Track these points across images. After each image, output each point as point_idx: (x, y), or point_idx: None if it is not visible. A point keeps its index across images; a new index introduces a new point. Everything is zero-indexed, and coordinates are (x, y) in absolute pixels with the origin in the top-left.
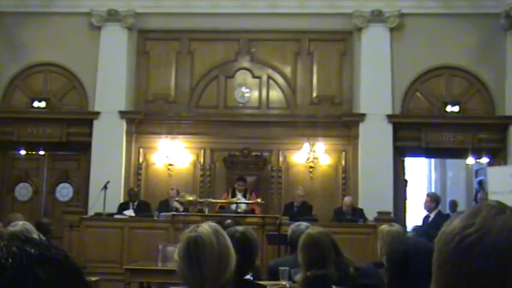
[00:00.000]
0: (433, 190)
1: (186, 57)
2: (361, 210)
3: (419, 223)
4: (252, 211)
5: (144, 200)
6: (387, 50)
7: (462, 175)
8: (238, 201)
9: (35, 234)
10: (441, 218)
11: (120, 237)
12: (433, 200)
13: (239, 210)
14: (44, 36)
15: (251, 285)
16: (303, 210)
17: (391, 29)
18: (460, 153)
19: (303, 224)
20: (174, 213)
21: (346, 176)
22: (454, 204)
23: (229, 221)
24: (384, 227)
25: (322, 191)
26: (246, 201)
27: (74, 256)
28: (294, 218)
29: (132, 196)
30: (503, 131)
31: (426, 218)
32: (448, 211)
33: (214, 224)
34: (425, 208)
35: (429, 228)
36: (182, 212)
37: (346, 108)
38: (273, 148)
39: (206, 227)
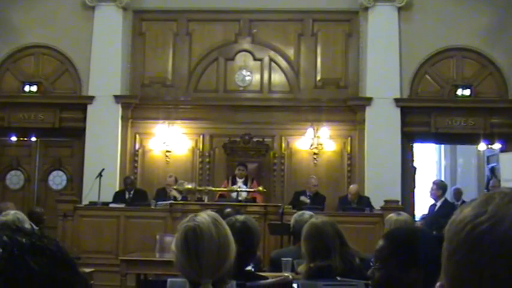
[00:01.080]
0: (442, 177)
1: (183, 39)
2: (368, 198)
3: (426, 212)
4: (253, 200)
5: (141, 188)
6: (395, 30)
7: (473, 162)
8: (239, 189)
9: (27, 224)
10: (448, 206)
11: (115, 227)
12: (439, 188)
13: (240, 198)
14: (35, 17)
15: (252, 277)
16: (315, 201)
17: (399, 8)
18: (471, 139)
19: (307, 213)
20: (172, 202)
21: (351, 163)
22: (458, 193)
23: (229, 209)
24: (392, 216)
25: (327, 178)
26: (247, 190)
27: (68, 246)
28: (306, 208)
29: (128, 184)
30: None
31: (432, 206)
32: (453, 200)
33: (214, 213)
34: (431, 196)
35: (438, 217)
36: (180, 200)
37: (352, 92)
38: (275, 134)
39: (205, 216)
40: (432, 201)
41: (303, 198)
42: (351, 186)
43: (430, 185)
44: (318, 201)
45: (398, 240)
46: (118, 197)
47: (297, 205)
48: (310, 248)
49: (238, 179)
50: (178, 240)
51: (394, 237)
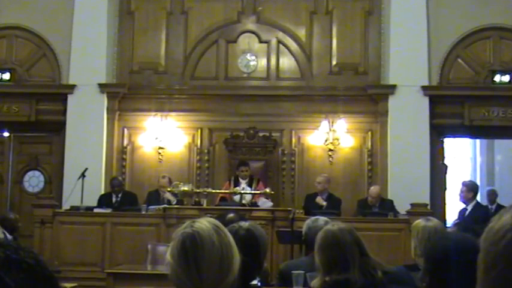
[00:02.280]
0: (478, 177)
1: (179, 19)
2: (391, 201)
3: (456, 218)
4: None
5: (130, 190)
6: (422, 7)
7: None
8: (243, 191)
9: (0, 233)
10: (480, 210)
11: (101, 236)
12: (469, 190)
13: (244, 202)
14: None
15: None
16: (330, 205)
17: None
18: (510, 132)
19: (321, 219)
20: (165, 206)
21: (372, 161)
22: (492, 195)
23: (231, 215)
24: (419, 221)
25: (344, 178)
26: (252, 192)
27: (47, 258)
28: (320, 214)
29: (115, 186)
30: None
31: (463, 211)
32: (486, 203)
33: (213, 219)
34: (460, 199)
35: (470, 223)
36: (175, 205)
37: (373, 79)
38: (285, 127)
39: (205, 223)
40: (463, 205)
41: (318, 199)
42: (372, 187)
43: (460, 186)
44: (331, 205)
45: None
46: (104, 200)
47: (310, 209)
48: (325, 259)
49: (241, 180)
50: (175, 249)
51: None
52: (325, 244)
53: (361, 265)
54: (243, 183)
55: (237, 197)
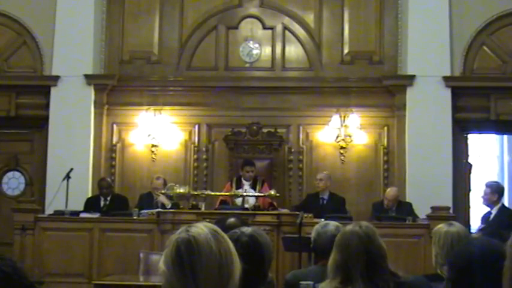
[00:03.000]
0: (505, 177)
1: (173, 2)
2: (410, 205)
3: (481, 222)
4: (270, 206)
5: (120, 193)
6: None
7: None
8: (245, 193)
9: None
10: (506, 214)
11: (88, 243)
12: (494, 192)
13: (246, 205)
14: None
15: None
16: (332, 205)
17: None
18: None
19: (332, 224)
20: (159, 210)
21: (389, 160)
22: None
23: (232, 219)
24: (441, 227)
25: (357, 179)
26: (256, 194)
27: (28, 268)
28: (319, 215)
29: (103, 188)
30: None
31: (487, 215)
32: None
33: (212, 224)
34: (484, 202)
35: (496, 227)
36: (170, 209)
37: (389, 69)
38: (291, 123)
39: (201, 227)
40: (487, 209)
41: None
42: (389, 189)
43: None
44: (334, 205)
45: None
46: (91, 204)
47: (311, 210)
48: (331, 262)
49: (244, 181)
50: (169, 256)
51: None
52: (335, 245)
53: (368, 275)
54: (246, 185)
55: (238, 200)
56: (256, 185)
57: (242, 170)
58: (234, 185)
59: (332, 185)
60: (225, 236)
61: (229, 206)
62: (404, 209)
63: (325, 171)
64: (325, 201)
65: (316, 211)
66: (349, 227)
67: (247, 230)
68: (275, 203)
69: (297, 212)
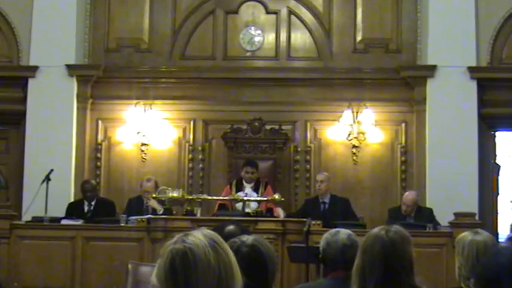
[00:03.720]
0: None
1: None
2: (430, 210)
3: (510, 229)
4: (267, 213)
5: (106, 197)
6: None
7: None
8: (246, 198)
9: None
10: None
11: (70, 253)
12: None
13: (248, 211)
14: None
15: None
16: (335, 210)
17: None
18: None
19: (343, 233)
20: (150, 216)
21: (407, 160)
22: None
23: (231, 227)
24: (465, 235)
25: (372, 182)
26: (258, 198)
27: (3, 280)
28: (322, 221)
29: (87, 192)
30: None
31: None
32: None
33: (211, 232)
34: None
35: None
36: (162, 214)
37: (408, 58)
38: (298, 118)
39: (199, 237)
40: None
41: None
42: (407, 193)
43: None
44: (338, 209)
45: None
46: (73, 210)
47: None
48: (354, 267)
49: (245, 184)
50: (162, 269)
51: None
52: (359, 249)
53: (384, 286)
54: (248, 188)
55: (239, 205)
56: (259, 187)
57: (242, 170)
58: (233, 188)
59: (342, 188)
60: (226, 246)
61: (230, 211)
62: (424, 216)
63: (325, 171)
64: (326, 206)
65: (318, 218)
66: (375, 230)
67: (248, 239)
68: (275, 208)
69: (304, 219)
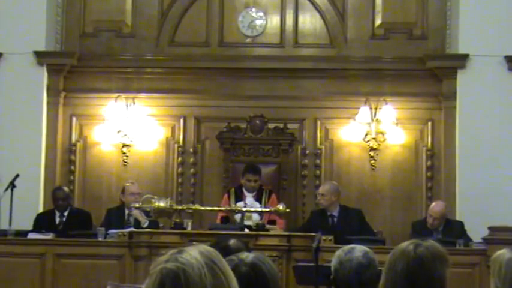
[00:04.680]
0: None
1: None
2: (461, 224)
3: None
4: (271, 224)
5: (80, 208)
6: None
7: None
8: (245, 208)
9: None
10: None
11: (39, 272)
12: None
13: (248, 223)
14: None
15: None
16: (346, 224)
17: None
18: None
19: (358, 250)
20: (133, 230)
21: (434, 165)
22: None
23: (232, 241)
24: (502, 253)
25: (393, 191)
26: (259, 209)
27: None
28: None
29: (59, 200)
30: None
31: None
32: None
33: (210, 249)
34: None
35: None
36: (147, 228)
37: (435, 46)
38: (306, 116)
39: (195, 255)
40: None
41: None
42: (434, 204)
43: None
44: (351, 223)
45: None
46: (43, 221)
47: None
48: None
49: (246, 193)
50: None
51: None
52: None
53: None
54: (249, 197)
55: (237, 216)
56: (261, 197)
57: (243, 178)
58: (232, 198)
59: (357, 198)
60: (227, 268)
61: (225, 225)
62: (453, 230)
63: (332, 181)
64: (335, 219)
65: (326, 234)
66: (404, 244)
67: (247, 256)
68: (278, 220)
69: (313, 234)
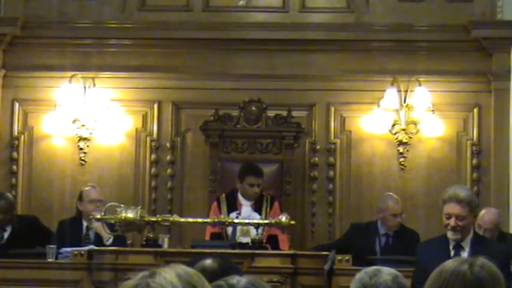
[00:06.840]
0: None
1: None
2: None
3: None
4: (270, 242)
5: (27, 216)
6: None
7: None
8: (238, 220)
9: None
10: None
11: None
12: None
13: (246, 241)
14: None
15: None
16: (401, 247)
17: None
18: None
19: (386, 273)
20: (92, 248)
21: (481, 164)
22: None
23: (209, 261)
24: None
25: (427, 196)
26: (256, 221)
27: None
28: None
29: (1, 212)
30: None
31: None
32: None
33: (189, 270)
34: None
35: None
36: (111, 245)
37: (482, 11)
38: (316, 101)
39: (170, 277)
40: None
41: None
42: (483, 211)
43: None
44: (403, 247)
45: None
46: None
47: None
48: None
49: (243, 201)
50: None
51: None
52: None
53: None
54: (246, 206)
55: (228, 231)
56: (261, 206)
57: (242, 182)
58: (222, 207)
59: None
60: None
61: (216, 241)
62: (508, 244)
63: (392, 194)
64: (390, 240)
65: (380, 251)
66: (450, 263)
67: (239, 281)
68: (281, 236)
69: (326, 253)
